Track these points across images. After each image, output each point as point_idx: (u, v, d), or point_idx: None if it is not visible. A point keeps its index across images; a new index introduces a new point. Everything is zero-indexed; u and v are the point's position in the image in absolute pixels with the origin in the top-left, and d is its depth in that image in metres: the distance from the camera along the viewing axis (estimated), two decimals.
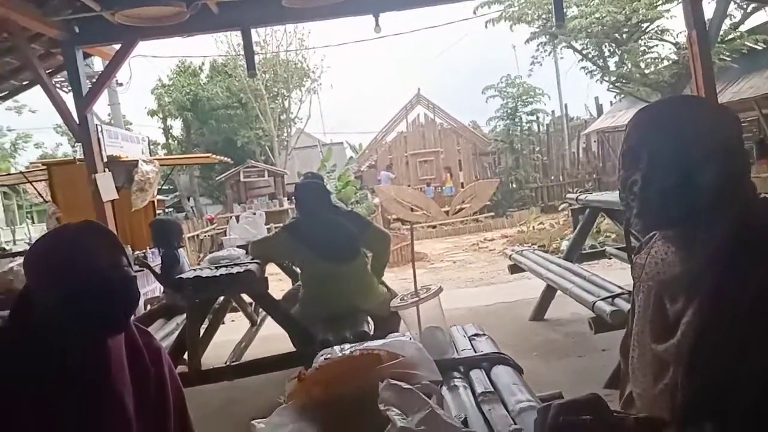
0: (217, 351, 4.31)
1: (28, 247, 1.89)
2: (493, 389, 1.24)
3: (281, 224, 5.06)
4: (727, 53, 10.77)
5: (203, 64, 22.03)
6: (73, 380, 1.27)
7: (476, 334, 1.62)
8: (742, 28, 11.16)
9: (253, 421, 0.92)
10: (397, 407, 0.74)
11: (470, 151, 18.07)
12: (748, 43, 10.85)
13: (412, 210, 15.22)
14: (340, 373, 0.93)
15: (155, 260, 5.27)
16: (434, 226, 14.80)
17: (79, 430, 1.26)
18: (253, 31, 5.21)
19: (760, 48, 10.84)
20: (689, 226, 1.05)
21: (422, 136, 17.97)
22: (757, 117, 10.96)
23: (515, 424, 1.03)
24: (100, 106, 17.94)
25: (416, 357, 0.95)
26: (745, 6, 10.67)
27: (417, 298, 1.40)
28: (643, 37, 12.23)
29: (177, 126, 22.41)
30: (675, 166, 1.02)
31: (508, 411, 1.12)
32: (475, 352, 1.47)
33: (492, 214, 15.54)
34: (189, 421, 1.57)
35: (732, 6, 10.19)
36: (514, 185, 16.70)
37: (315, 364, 1.02)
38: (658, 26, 12.14)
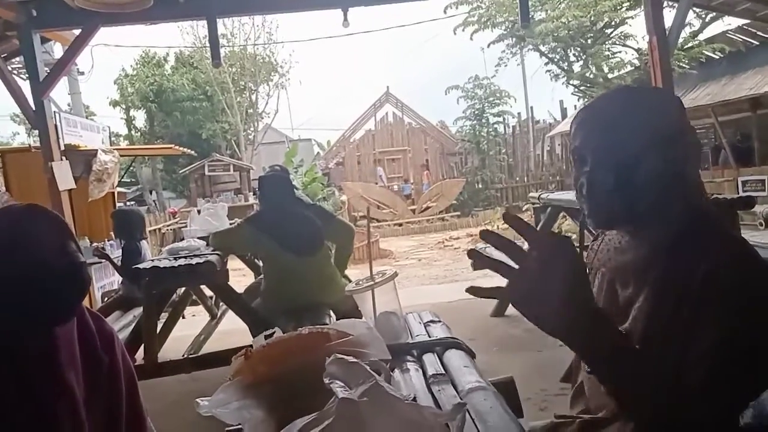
0: (176, 344, 4.24)
1: None
2: (444, 372, 1.25)
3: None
4: (686, 61, 11.13)
5: (168, 54, 21.65)
6: (20, 369, 1.23)
7: (431, 321, 1.64)
8: (701, 36, 11.54)
9: (197, 399, 0.91)
10: (342, 380, 0.74)
11: (438, 150, 18.21)
12: (706, 52, 11.23)
13: (378, 208, 15.25)
14: (287, 351, 0.92)
15: (115, 252, 5.14)
16: (400, 224, 14.86)
17: (26, 420, 1.22)
18: (219, 22, 5.13)
19: (716, 57, 11.22)
20: (636, 225, 1.06)
21: (390, 134, 18.03)
22: (713, 124, 11.33)
23: (464, 402, 1.04)
24: (61, 95, 17.40)
25: (366, 336, 0.95)
26: (703, 15, 11.04)
27: (372, 282, 1.41)
28: (607, 42, 12.53)
29: (140, 117, 21.95)
30: (614, 164, 1.01)
31: (457, 391, 1.13)
32: (430, 337, 1.48)
33: (458, 213, 15.71)
34: (141, 409, 1.54)
35: (691, 15, 10.52)
36: (480, 185, 16.91)
37: (258, 342, 1.01)
38: (621, 32, 12.47)
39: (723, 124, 11.05)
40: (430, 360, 1.33)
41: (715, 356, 0.86)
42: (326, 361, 0.81)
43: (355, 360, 0.80)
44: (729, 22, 10.75)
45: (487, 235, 0.89)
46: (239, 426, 0.99)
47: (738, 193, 8.82)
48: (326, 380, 0.75)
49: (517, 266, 0.85)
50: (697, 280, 0.92)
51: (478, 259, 0.89)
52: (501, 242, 0.86)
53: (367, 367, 0.77)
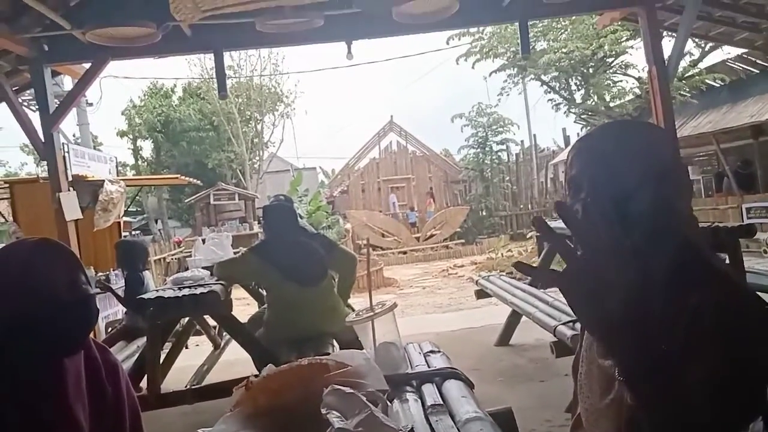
0: (179, 375, 4.22)
1: None
2: (442, 402, 1.26)
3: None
4: (687, 89, 11.24)
5: (175, 86, 22.00)
6: (27, 400, 1.24)
7: (431, 351, 1.65)
8: (701, 65, 11.68)
9: (199, 430, 0.92)
10: (339, 411, 0.76)
11: (441, 178, 18.29)
12: (707, 80, 11.35)
13: (383, 236, 15.27)
14: (287, 381, 0.94)
15: (119, 282, 5.17)
16: (405, 252, 14.85)
17: None
18: (226, 54, 5.25)
19: (717, 85, 11.34)
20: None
21: (394, 162, 18.15)
22: (715, 151, 11.38)
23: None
24: (69, 126, 17.67)
25: (364, 367, 0.96)
26: (703, 45, 11.18)
27: (371, 313, 1.42)
28: (608, 72, 12.68)
29: (147, 147, 22.22)
30: (611, 194, 1.04)
31: (454, 422, 1.14)
32: (429, 367, 1.49)
33: (462, 241, 15.69)
34: None
35: (690, 44, 10.67)
36: (484, 213, 16.94)
37: (263, 373, 1.03)
38: (622, 61, 12.64)
39: (725, 151, 11.10)
40: (429, 390, 1.34)
41: (705, 388, 0.87)
42: (324, 392, 0.82)
43: (351, 391, 0.81)
44: (729, 51, 10.89)
45: (538, 223, 0.90)
46: None
47: (742, 220, 8.81)
48: (323, 410, 0.76)
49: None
50: (687, 313, 0.94)
51: (542, 228, 0.89)
52: (552, 235, 0.87)
53: (364, 398, 0.79)
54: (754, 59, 10.19)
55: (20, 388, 1.24)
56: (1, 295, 1.23)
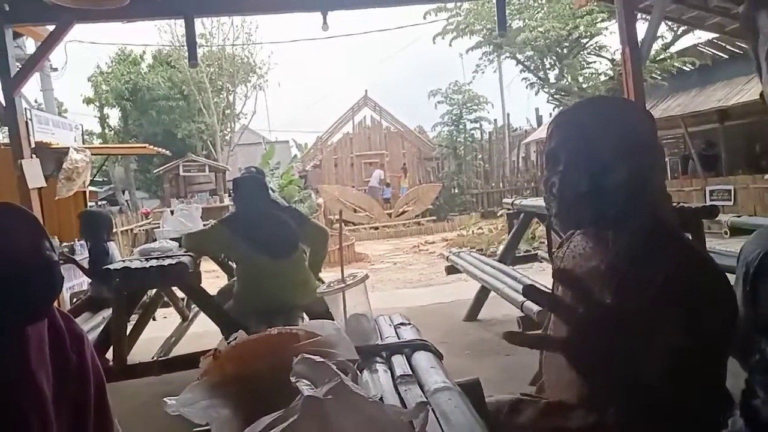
0: (147, 346, 4.18)
1: None
2: (411, 372, 1.27)
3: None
4: (658, 72, 11.40)
5: (144, 52, 21.37)
6: None
7: (401, 323, 1.66)
8: (673, 49, 11.85)
9: (165, 398, 0.91)
10: (308, 379, 0.76)
11: (415, 155, 18.29)
12: (677, 64, 11.52)
13: (355, 211, 15.26)
14: (255, 351, 0.93)
15: (83, 253, 5.07)
16: (377, 228, 14.88)
17: None
18: (198, 21, 5.11)
19: (687, 69, 11.52)
20: (603, 225, 1.11)
21: (368, 138, 18.05)
22: (682, 134, 11.62)
23: (427, 401, 1.06)
24: (32, 92, 17.06)
25: (334, 336, 0.97)
26: (675, 28, 11.32)
27: (342, 285, 1.42)
28: (582, 52, 12.76)
29: (114, 116, 21.61)
30: (587, 167, 1.06)
31: (423, 392, 1.15)
32: (399, 339, 1.50)
33: (434, 217, 15.80)
34: (109, 411, 1.53)
35: (663, 27, 10.80)
36: (456, 190, 17.05)
37: (232, 342, 1.02)
38: (596, 42, 12.72)
39: (692, 135, 11.34)
40: (399, 361, 1.36)
41: (673, 354, 0.90)
42: (293, 361, 0.82)
43: (322, 360, 0.81)
44: (699, 36, 11.07)
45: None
46: (207, 426, 0.99)
47: (705, 202, 9.05)
48: (293, 379, 0.76)
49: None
50: (657, 285, 0.96)
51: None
52: (548, 299, 0.85)
53: (334, 367, 0.79)
54: (723, 44, 10.37)
55: None
56: None
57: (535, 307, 3.35)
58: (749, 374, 0.93)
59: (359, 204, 15.52)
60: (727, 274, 0.99)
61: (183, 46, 16.82)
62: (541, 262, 5.97)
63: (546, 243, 5.04)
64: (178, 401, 0.88)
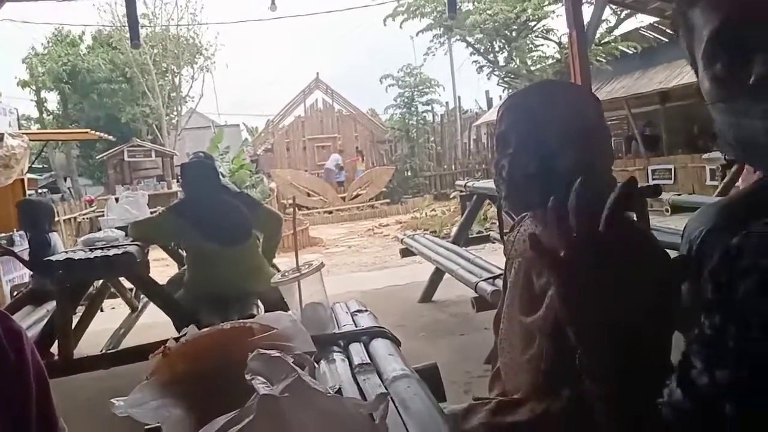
0: (95, 339, 4.05)
1: None
2: (370, 361, 1.26)
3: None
4: (603, 55, 11.69)
5: (83, 33, 20.40)
6: None
7: (358, 310, 1.65)
8: (617, 32, 12.15)
9: (112, 399, 0.87)
10: (264, 376, 0.73)
11: (367, 138, 18.23)
12: (621, 47, 11.84)
13: (308, 195, 15.12)
14: (208, 347, 0.90)
15: (23, 244, 4.83)
16: (330, 212, 14.81)
17: None
18: (140, 1, 4.89)
19: (630, 52, 11.86)
20: None
21: (320, 121, 17.86)
22: (626, 115, 11.99)
23: (386, 390, 1.06)
24: None
25: (290, 329, 0.94)
26: (619, 12, 11.61)
27: (298, 274, 1.40)
28: (530, 35, 12.94)
29: (53, 99, 20.60)
30: (536, 151, 1.07)
31: (382, 380, 1.15)
32: (356, 327, 1.49)
33: (387, 200, 15.84)
34: (53, 409, 1.46)
35: (608, 11, 11.04)
36: (409, 173, 17.12)
37: (183, 338, 0.99)
38: (544, 26, 12.92)
39: (635, 116, 11.71)
40: (357, 350, 1.34)
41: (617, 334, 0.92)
42: (248, 357, 0.79)
43: (278, 354, 0.79)
44: (642, 20, 11.38)
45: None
46: (158, 425, 0.96)
47: (648, 181, 9.39)
48: (248, 376, 0.74)
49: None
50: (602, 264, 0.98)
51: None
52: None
53: (291, 362, 0.77)
54: (664, 28, 10.70)
55: None
56: None
57: (489, 288, 3.41)
58: (687, 346, 0.97)
59: (313, 188, 15.38)
60: (671, 251, 1.02)
61: (124, 26, 16.13)
62: (494, 242, 6.07)
63: (497, 224, 5.13)
64: (126, 402, 0.84)
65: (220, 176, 3.84)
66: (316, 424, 0.68)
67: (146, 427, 1.13)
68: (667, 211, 8.26)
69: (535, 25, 12.90)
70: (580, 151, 1.07)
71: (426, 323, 4.65)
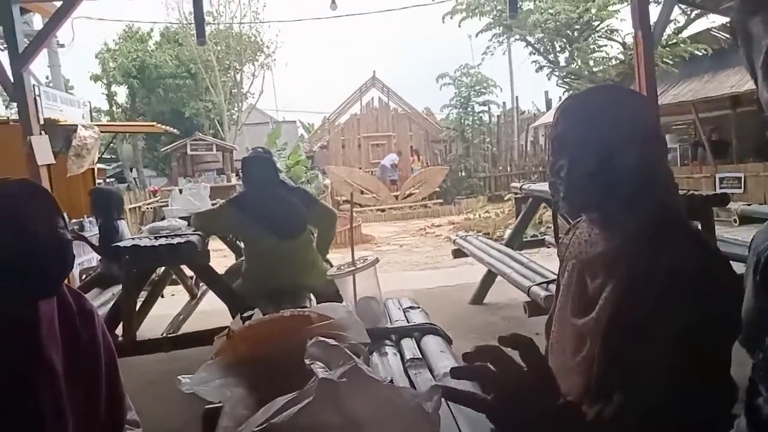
0: (155, 323, 4.23)
1: None
2: (421, 356, 1.28)
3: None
4: (670, 57, 11.25)
5: (152, 30, 21.26)
6: (1, 339, 1.23)
7: (410, 307, 1.67)
8: (685, 33, 11.67)
9: (179, 376, 0.92)
10: (323, 362, 0.76)
11: (422, 137, 18.20)
12: (689, 49, 11.36)
13: (362, 193, 15.25)
14: (269, 332, 0.94)
15: (93, 229, 5.10)
16: (383, 210, 14.88)
17: (6, 393, 1.23)
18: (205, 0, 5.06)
19: (700, 54, 11.36)
20: (610, 210, 1.11)
21: (375, 119, 17.95)
22: (693, 120, 11.49)
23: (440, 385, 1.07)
24: (40, 68, 17.03)
25: (346, 319, 0.97)
26: (689, 12, 11.15)
27: (353, 268, 1.43)
28: (593, 36, 12.60)
29: (122, 93, 21.58)
30: (597, 151, 1.07)
31: (433, 376, 1.16)
32: (408, 323, 1.51)
33: (440, 201, 15.78)
34: (120, 386, 1.55)
35: (677, 11, 10.63)
36: (464, 173, 16.97)
37: (245, 323, 1.03)
38: (608, 26, 12.54)
39: (703, 121, 11.22)
40: (408, 345, 1.36)
41: (676, 345, 0.91)
42: (307, 344, 0.83)
43: (335, 343, 0.82)
44: (713, 20, 10.89)
45: (456, 372, 0.87)
46: (219, 404, 1.01)
47: (715, 190, 8.98)
48: (307, 361, 0.77)
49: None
50: (661, 272, 0.97)
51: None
52: (471, 372, 0.87)
53: (347, 350, 0.80)
54: None
55: None
56: None
57: (543, 293, 3.36)
58: (752, 371, 0.93)
59: (366, 186, 15.50)
60: (737, 263, 0.99)
61: (190, 23, 16.72)
62: (548, 247, 5.96)
63: (553, 228, 5.03)
64: (192, 380, 0.89)
65: (279, 172, 3.93)
66: (372, 409, 0.70)
67: (206, 406, 1.19)
68: (735, 221, 7.89)
69: (598, 25, 12.55)
70: (640, 153, 1.07)
71: (476, 325, 4.62)
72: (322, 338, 0.82)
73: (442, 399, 0.81)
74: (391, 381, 1.09)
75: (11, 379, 1.22)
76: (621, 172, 1.06)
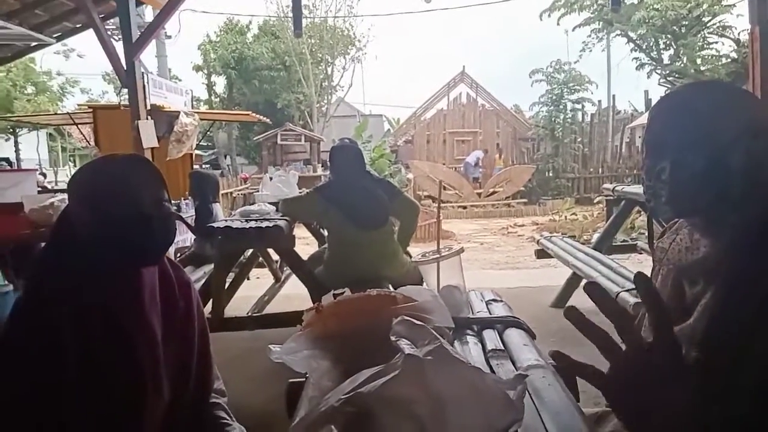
0: (241, 303, 4.42)
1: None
2: (503, 348, 1.26)
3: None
4: None
5: (251, 23, 22.16)
6: (108, 301, 1.32)
7: (493, 300, 1.64)
8: None
9: (269, 345, 0.96)
10: (408, 339, 0.77)
11: (509, 134, 17.83)
12: None
13: (444, 188, 15.16)
14: (356, 308, 0.96)
15: (189, 211, 5.39)
16: (465, 207, 14.74)
17: (109, 353, 1.32)
18: None
19: None
20: (718, 212, 1.04)
21: (462, 115, 17.78)
22: None
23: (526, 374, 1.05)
24: (147, 58, 18.20)
25: (431, 303, 0.97)
26: None
27: (438, 255, 1.43)
28: (702, 32, 11.81)
29: (220, 83, 22.69)
30: (703, 150, 1.00)
31: (515, 367, 1.14)
32: (491, 314, 1.49)
33: (525, 200, 15.40)
34: (210, 355, 1.63)
35: None
36: (551, 173, 16.45)
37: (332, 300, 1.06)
38: (720, 21, 11.71)
39: None
40: (490, 336, 1.34)
41: None
42: (393, 322, 0.84)
43: (421, 323, 0.82)
44: None
45: (571, 313, 0.85)
46: (302, 379, 1.04)
47: None
48: (393, 338, 0.78)
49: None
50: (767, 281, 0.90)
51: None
52: (588, 328, 0.84)
53: (433, 331, 0.80)
54: None
55: (103, 292, 1.32)
56: (93, 204, 1.29)
57: (631, 300, 3.21)
58: None
59: (449, 182, 15.41)
60: None
61: (288, 16, 17.26)
62: (640, 253, 5.67)
63: (647, 234, 4.78)
64: (281, 349, 0.92)
65: (365, 162, 3.98)
66: (456, 390, 0.70)
67: (290, 380, 1.23)
68: None
69: (709, 21, 11.74)
70: (749, 150, 0.98)
71: (557, 329, 4.46)
72: (408, 318, 0.82)
73: (527, 390, 0.79)
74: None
75: (115, 335, 1.31)
76: (730, 172, 0.99)
